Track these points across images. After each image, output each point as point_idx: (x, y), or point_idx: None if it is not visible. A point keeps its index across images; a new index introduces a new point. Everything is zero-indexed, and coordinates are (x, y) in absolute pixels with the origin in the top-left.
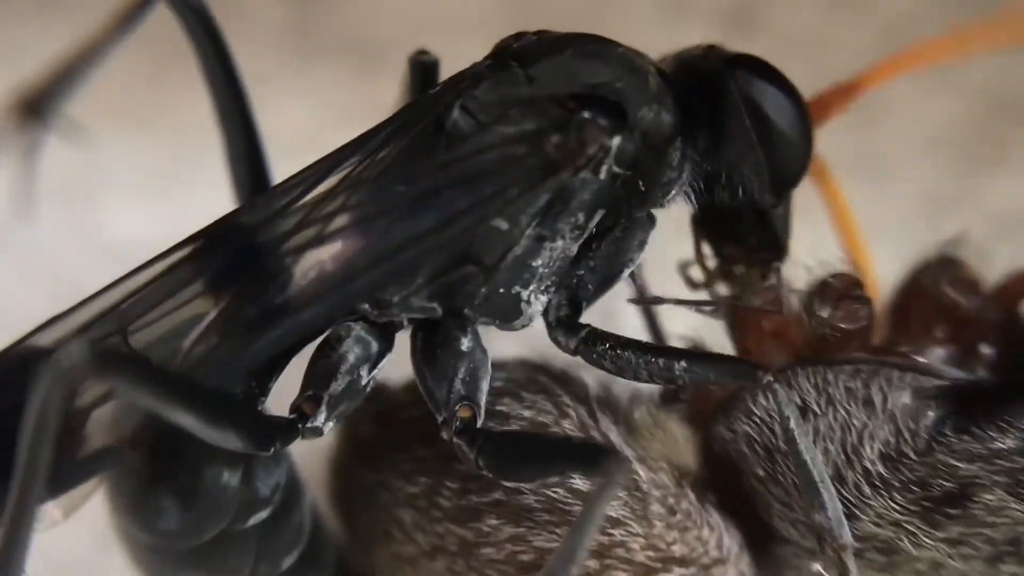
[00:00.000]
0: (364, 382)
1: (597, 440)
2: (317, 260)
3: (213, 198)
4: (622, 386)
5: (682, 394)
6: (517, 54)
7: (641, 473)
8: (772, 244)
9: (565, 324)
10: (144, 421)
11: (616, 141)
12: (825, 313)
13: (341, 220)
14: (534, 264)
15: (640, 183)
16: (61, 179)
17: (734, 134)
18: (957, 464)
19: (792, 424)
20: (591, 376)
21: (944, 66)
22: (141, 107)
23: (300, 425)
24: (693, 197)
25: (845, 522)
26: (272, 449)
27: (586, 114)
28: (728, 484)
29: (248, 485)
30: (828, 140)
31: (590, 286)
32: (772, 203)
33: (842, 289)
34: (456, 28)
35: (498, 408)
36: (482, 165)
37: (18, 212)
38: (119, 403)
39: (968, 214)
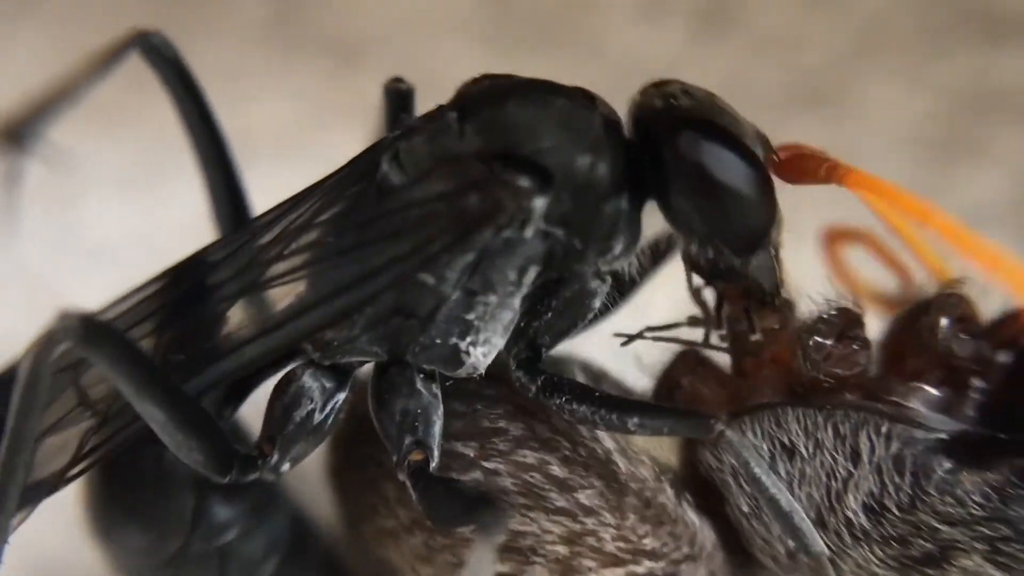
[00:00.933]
0: (317, 422)
1: (486, 492)
2: (250, 307)
3: (189, 199)
4: (611, 381)
5: (676, 397)
6: (462, 104)
7: (620, 465)
8: (757, 287)
9: (525, 368)
10: (82, 454)
11: (539, 201)
12: (820, 355)
13: (278, 268)
14: (467, 317)
15: (575, 241)
16: (38, 179)
17: (681, 197)
18: (939, 527)
19: (753, 468)
20: (581, 370)
21: (917, 63)
22: (118, 108)
23: (259, 462)
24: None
25: (817, 535)
26: (227, 478)
27: (505, 175)
28: (711, 504)
29: (206, 511)
30: (803, 135)
31: (547, 336)
32: (740, 260)
33: (841, 328)
34: (436, 26)
35: (487, 392)
36: (405, 221)
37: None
38: (66, 431)
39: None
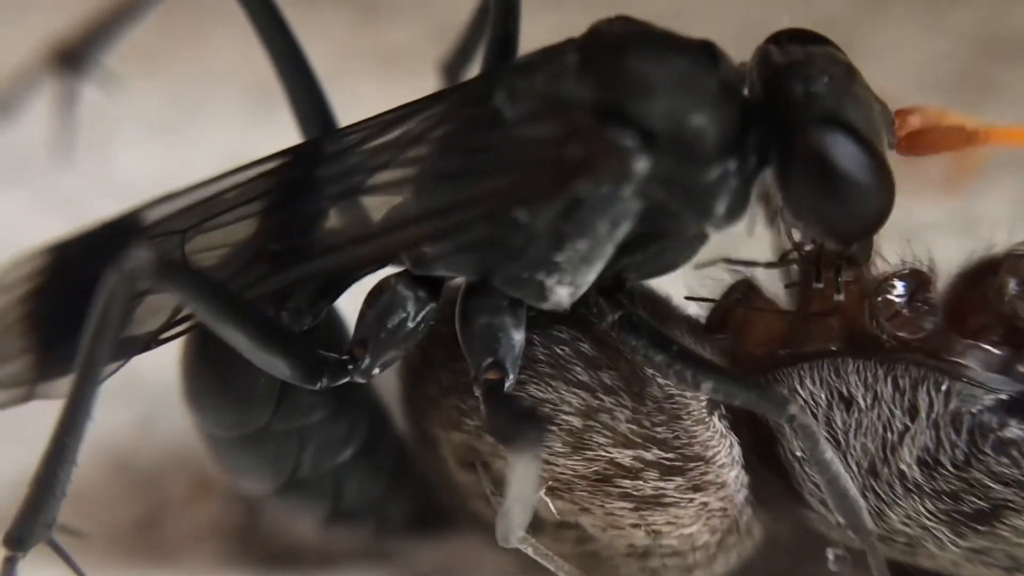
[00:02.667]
0: (408, 330)
1: (537, 412)
2: (352, 208)
3: (220, 139)
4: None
5: (728, 324)
6: (586, 46)
7: None
8: (850, 260)
9: (606, 296)
10: (175, 320)
11: (640, 163)
12: (887, 314)
13: (382, 176)
14: (555, 259)
15: (673, 204)
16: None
17: (801, 190)
18: (992, 486)
19: (821, 451)
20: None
21: (933, 7)
22: (152, 51)
23: (350, 367)
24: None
25: (868, 516)
26: (318, 385)
27: (609, 131)
28: (763, 442)
29: (292, 392)
30: None
31: (634, 274)
32: (839, 248)
33: (912, 290)
34: None
35: None
36: (507, 158)
37: (57, 155)
38: (161, 296)
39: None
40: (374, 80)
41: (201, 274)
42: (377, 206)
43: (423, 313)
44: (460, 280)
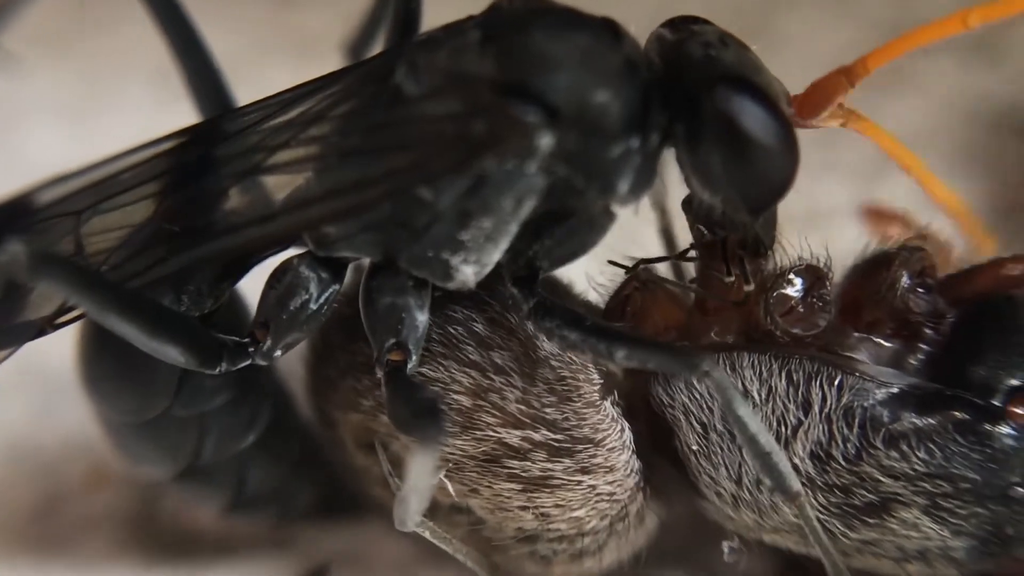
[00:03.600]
0: (312, 312)
1: (438, 405)
2: (253, 187)
3: (131, 123)
4: (569, 281)
5: (626, 313)
6: (488, 23)
7: (545, 346)
8: (754, 243)
9: (519, 286)
10: (67, 305)
11: (544, 138)
12: (781, 309)
13: (284, 155)
14: (460, 237)
15: (577, 179)
16: None
17: (713, 154)
18: (882, 479)
19: (735, 405)
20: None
21: None
22: (62, 35)
23: (251, 349)
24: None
25: (795, 477)
26: (218, 369)
27: (513, 107)
28: (660, 434)
29: (192, 378)
30: None
31: (546, 261)
32: (748, 220)
33: (807, 286)
34: None
35: None
36: (410, 135)
37: None
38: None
39: (865, 139)
40: (290, 67)
41: (81, 266)
42: (278, 186)
43: (326, 295)
44: (364, 261)
